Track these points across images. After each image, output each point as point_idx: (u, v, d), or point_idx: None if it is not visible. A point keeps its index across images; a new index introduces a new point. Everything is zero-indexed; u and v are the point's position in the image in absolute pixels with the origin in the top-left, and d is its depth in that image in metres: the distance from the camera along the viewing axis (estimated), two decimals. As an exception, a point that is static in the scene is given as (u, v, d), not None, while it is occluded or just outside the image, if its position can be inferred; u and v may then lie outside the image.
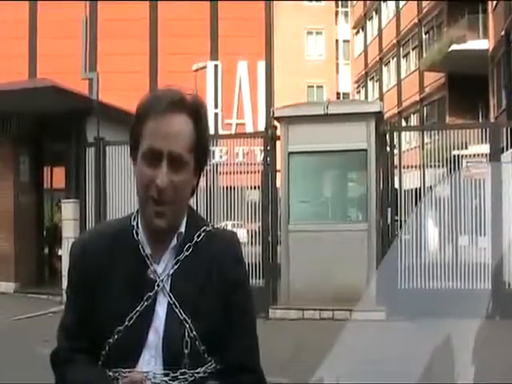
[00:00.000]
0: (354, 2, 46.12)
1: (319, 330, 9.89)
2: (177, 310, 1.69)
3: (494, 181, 11.48)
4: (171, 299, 1.70)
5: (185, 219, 1.76)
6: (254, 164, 13.63)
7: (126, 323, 1.68)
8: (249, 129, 37.66)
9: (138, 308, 1.68)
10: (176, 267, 1.72)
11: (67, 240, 13.80)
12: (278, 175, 12.69)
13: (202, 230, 1.77)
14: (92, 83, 18.21)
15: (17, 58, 39.00)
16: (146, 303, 1.69)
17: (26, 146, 15.24)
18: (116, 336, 1.68)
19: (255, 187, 13.06)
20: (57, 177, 17.68)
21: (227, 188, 12.95)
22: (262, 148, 12.93)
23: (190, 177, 1.72)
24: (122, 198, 13.49)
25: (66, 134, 14.30)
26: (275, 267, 12.13)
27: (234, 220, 12.76)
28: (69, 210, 14.06)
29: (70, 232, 13.82)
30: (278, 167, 12.73)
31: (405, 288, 11.34)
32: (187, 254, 1.73)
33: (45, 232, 16.74)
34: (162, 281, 1.70)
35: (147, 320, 1.69)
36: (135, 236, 1.74)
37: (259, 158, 13.65)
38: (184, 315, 1.69)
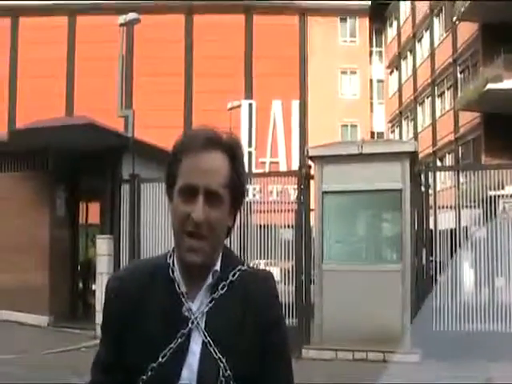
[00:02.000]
0: (389, 41, 46.32)
1: (352, 371, 9.76)
2: (211, 349, 1.68)
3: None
4: (205, 337, 1.69)
5: (220, 258, 1.76)
6: (288, 203, 13.63)
7: (160, 360, 1.67)
8: (282, 167, 37.80)
9: (171, 345, 1.67)
10: (211, 305, 1.72)
11: (101, 275, 13.90)
12: (312, 214, 12.66)
13: (237, 269, 1.77)
14: (128, 120, 18.43)
15: (55, 96, 39.77)
16: (179, 340, 1.68)
17: (63, 181, 15.46)
18: (150, 372, 1.67)
19: (289, 226, 13.03)
20: (92, 212, 17.87)
21: (261, 226, 12.95)
22: (296, 187, 12.94)
23: (225, 214, 1.72)
24: (156, 234, 13.57)
25: (101, 171, 14.51)
26: (308, 307, 12.04)
27: (268, 258, 12.72)
28: (103, 245, 14.18)
29: (103, 267, 13.92)
30: (312, 206, 12.70)
31: (440, 330, 11.16)
32: (222, 292, 1.73)
33: (79, 267, 16.89)
34: (196, 318, 1.70)
35: (181, 357, 1.68)
36: (171, 273, 1.74)
37: (293, 196, 13.65)
38: (218, 354, 1.68)
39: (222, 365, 1.67)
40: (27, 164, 15.43)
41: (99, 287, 13.93)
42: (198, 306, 1.72)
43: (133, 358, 1.70)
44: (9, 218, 15.16)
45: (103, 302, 1.82)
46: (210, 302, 1.72)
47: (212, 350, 1.68)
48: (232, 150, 1.74)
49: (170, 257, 1.77)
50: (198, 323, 1.70)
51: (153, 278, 1.75)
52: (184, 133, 1.77)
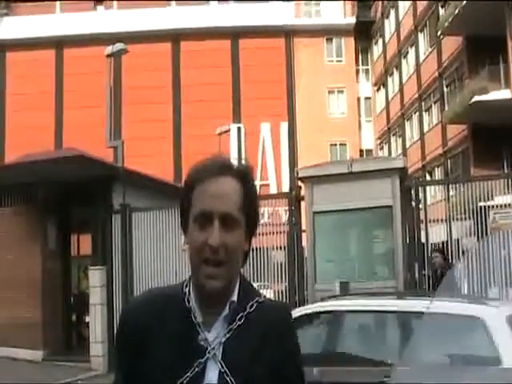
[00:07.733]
0: (375, 58, 46.61)
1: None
2: (228, 379, 1.68)
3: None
4: (222, 367, 1.69)
5: (237, 288, 1.77)
6: (279, 224, 13.63)
7: None
8: (273, 189, 37.82)
9: (188, 374, 1.67)
10: (228, 336, 1.72)
11: (94, 307, 13.83)
12: (304, 235, 12.64)
13: (254, 300, 1.78)
14: (117, 151, 18.44)
15: (43, 129, 39.80)
16: (196, 369, 1.68)
17: (53, 214, 15.44)
18: None
19: (281, 247, 13.02)
20: (83, 244, 17.81)
21: (253, 249, 12.89)
22: (287, 208, 12.94)
23: (241, 237, 1.73)
24: (148, 263, 13.54)
25: (92, 202, 14.50)
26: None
27: (261, 281, 12.68)
28: (96, 276, 14.12)
29: (97, 299, 13.86)
30: (303, 227, 12.69)
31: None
32: (240, 323, 1.73)
33: (72, 299, 16.80)
34: (214, 348, 1.70)
35: None
36: (187, 303, 1.75)
37: (284, 218, 13.65)
38: None
39: None
40: (18, 199, 15.41)
41: (93, 319, 13.87)
42: (214, 336, 1.72)
43: None
44: (0, 254, 15.09)
45: (117, 330, 1.83)
46: (228, 332, 1.72)
47: (228, 380, 1.68)
48: (243, 176, 1.77)
49: (186, 286, 1.77)
50: (215, 353, 1.70)
51: (168, 307, 1.76)
52: (195, 164, 1.79)
